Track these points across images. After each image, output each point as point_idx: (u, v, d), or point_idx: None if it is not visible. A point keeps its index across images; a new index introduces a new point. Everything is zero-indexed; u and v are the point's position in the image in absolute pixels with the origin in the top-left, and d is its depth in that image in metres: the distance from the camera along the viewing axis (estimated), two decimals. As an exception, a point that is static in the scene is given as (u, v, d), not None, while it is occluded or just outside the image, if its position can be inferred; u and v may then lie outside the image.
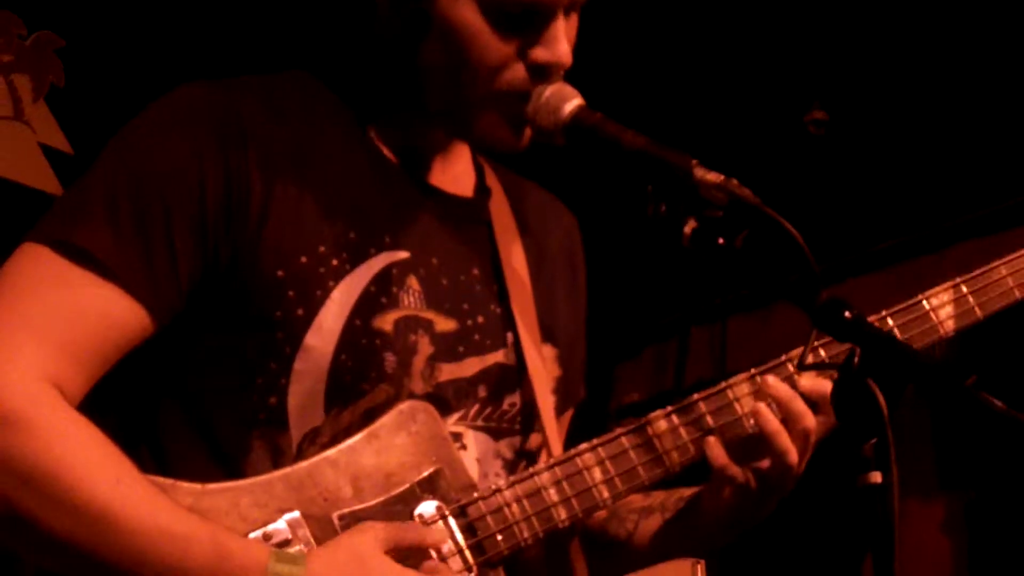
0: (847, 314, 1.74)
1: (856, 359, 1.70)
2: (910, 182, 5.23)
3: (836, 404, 1.72)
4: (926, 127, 5.09)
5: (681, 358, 6.00)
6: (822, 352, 2.15)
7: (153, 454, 2.00)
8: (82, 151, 4.81)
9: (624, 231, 2.52)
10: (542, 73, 2.03)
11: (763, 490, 2.13)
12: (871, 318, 2.22)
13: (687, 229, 1.86)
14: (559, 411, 2.28)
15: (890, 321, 2.25)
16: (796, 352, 2.18)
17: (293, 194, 2.00)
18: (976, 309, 2.29)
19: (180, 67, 4.78)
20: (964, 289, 2.30)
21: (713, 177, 1.85)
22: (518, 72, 2.03)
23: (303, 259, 1.99)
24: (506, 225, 2.24)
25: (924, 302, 2.27)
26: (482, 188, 2.26)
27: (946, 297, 2.28)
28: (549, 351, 2.23)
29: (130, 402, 2.05)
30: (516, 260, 2.22)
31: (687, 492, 2.23)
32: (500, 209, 2.25)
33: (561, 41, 2.03)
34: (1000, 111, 4.93)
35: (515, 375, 2.16)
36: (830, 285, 1.76)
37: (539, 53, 2.03)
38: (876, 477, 1.68)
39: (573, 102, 2.02)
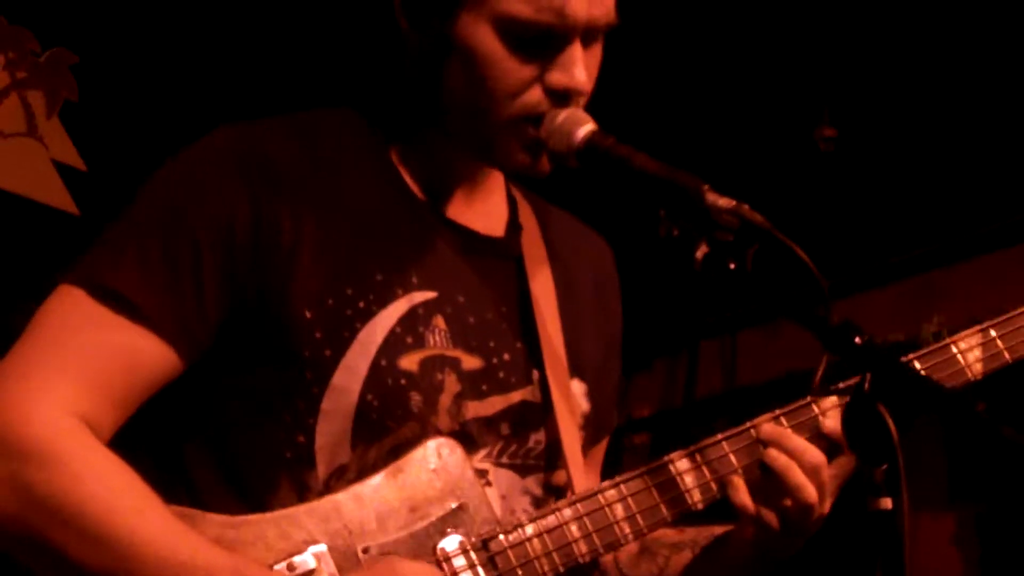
0: (858, 339, 1.75)
1: (867, 384, 1.71)
2: (919, 198, 5.24)
3: (847, 429, 1.73)
4: (935, 143, 5.10)
5: (691, 371, 6.00)
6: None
7: (187, 490, 2.04)
8: (95, 168, 4.83)
9: (635, 245, 2.52)
10: (560, 98, 2.05)
11: (786, 529, 2.12)
12: (900, 359, 2.22)
13: (699, 254, 1.87)
14: (591, 443, 2.30)
15: (917, 364, 2.24)
16: (826, 399, 2.18)
17: (322, 236, 2.04)
18: (1005, 353, 2.29)
19: (194, 84, 4.81)
20: (992, 333, 2.30)
21: (725, 202, 1.86)
22: (535, 96, 2.05)
23: (330, 301, 2.02)
24: (536, 259, 2.26)
25: (952, 346, 2.27)
26: (514, 223, 2.27)
27: (974, 341, 2.28)
28: (578, 386, 2.25)
29: (162, 440, 2.10)
30: (545, 295, 2.24)
31: (718, 530, 2.23)
32: (531, 243, 2.27)
33: (577, 66, 2.04)
34: (1009, 127, 4.94)
35: (540, 412, 2.17)
36: (839, 300, 1.76)
37: (555, 77, 2.04)
38: (887, 502, 1.69)
39: (586, 126, 2.03)
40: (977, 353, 2.27)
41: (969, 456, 5.15)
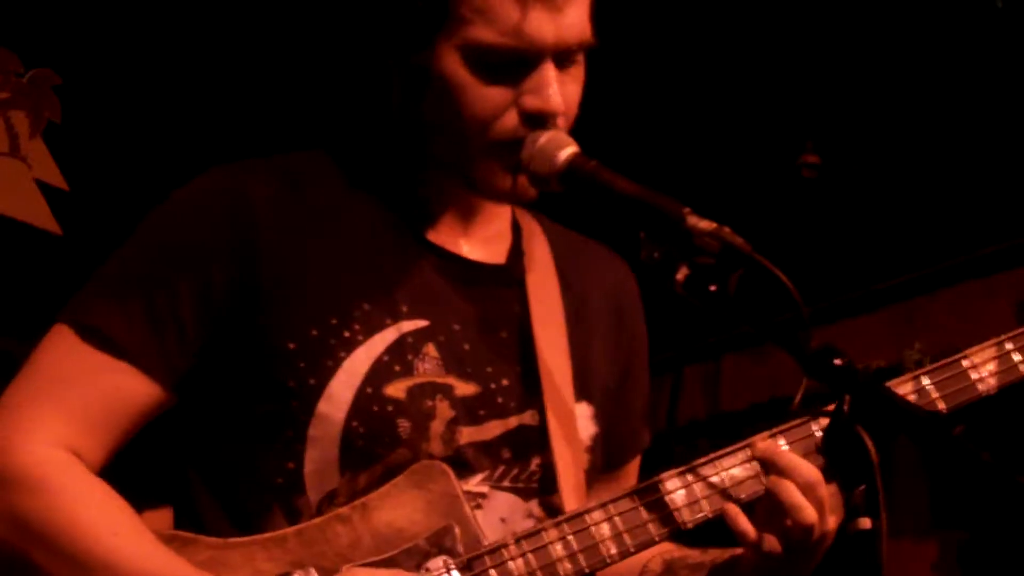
0: (837, 361, 1.75)
1: (846, 406, 1.71)
2: (901, 225, 5.26)
3: (827, 450, 1.73)
4: (918, 171, 5.12)
5: (674, 396, 6.01)
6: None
7: (191, 517, 2.12)
8: (78, 188, 4.84)
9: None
10: (536, 122, 2.05)
11: (790, 552, 2.09)
12: (906, 376, 2.21)
13: (679, 276, 1.87)
14: (608, 465, 2.31)
15: (925, 380, 2.22)
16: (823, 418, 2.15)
17: (304, 270, 2.08)
18: (1020, 367, 2.27)
19: (176, 106, 4.82)
20: (1008, 346, 2.28)
21: (706, 225, 1.86)
22: (511, 121, 2.05)
23: (313, 332, 2.06)
24: (543, 285, 2.26)
25: (964, 360, 2.25)
26: (516, 251, 2.27)
27: (989, 354, 2.26)
28: (584, 409, 2.25)
29: (163, 471, 2.18)
30: (551, 320, 2.24)
31: (739, 551, 2.18)
32: (538, 268, 2.27)
33: (550, 87, 2.04)
34: (991, 154, 4.96)
35: (540, 436, 2.17)
36: (822, 326, 1.77)
37: (528, 101, 2.04)
38: (866, 523, 1.69)
39: (568, 149, 2.03)
40: (992, 367, 2.25)
41: (951, 483, 5.15)
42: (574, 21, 2.05)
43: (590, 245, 2.42)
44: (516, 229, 2.30)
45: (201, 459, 2.15)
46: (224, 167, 2.15)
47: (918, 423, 1.69)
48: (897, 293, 5.41)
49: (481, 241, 2.23)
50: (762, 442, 2.13)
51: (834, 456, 1.73)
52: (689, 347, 5.91)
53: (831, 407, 1.74)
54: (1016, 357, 2.27)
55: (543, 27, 2.01)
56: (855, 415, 1.71)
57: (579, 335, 2.27)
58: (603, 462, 2.29)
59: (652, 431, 2.49)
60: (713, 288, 1.86)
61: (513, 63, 2.03)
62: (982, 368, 2.25)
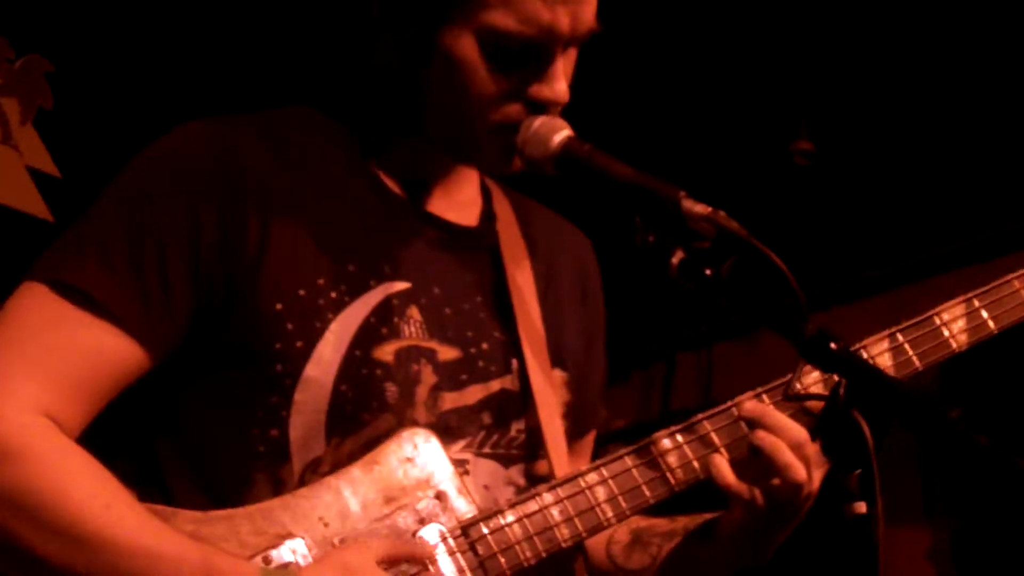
0: (833, 345, 1.75)
1: (842, 390, 1.71)
2: (895, 212, 5.26)
3: (822, 435, 1.73)
4: (912, 158, 5.12)
5: (667, 384, 6.01)
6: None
7: (160, 489, 2.03)
8: (70, 174, 4.82)
9: (611, 256, 2.51)
10: (540, 109, 2.05)
11: (773, 509, 2.11)
12: (883, 332, 2.24)
13: (674, 260, 1.87)
14: (574, 435, 2.30)
15: (900, 337, 2.25)
16: (809, 376, 2.19)
17: (291, 229, 2.04)
18: (989, 322, 2.29)
19: (169, 91, 4.80)
20: (976, 303, 2.30)
21: (701, 209, 1.86)
22: (515, 107, 2.05)
23: (301, 292, 2.02)
24: (514, 250, 2.26)
25: (935, 317, 2.27)
26: (488, 214, 2.27)
27: (958, 311, 2.28)
28: (559, 375, 2.25)
29: (135, 441, 2.10)
30: (524, 285, 2.24)
31: (709, 516, 2.22)
32: (508, 234, 2.27)
33: (559, 79, 2.05)
34: (984, 141, 4.96)
35: (521, 401, 2.17)
36: (815, 313, 1.77)
37: (537, 90, 2.05)
38: (861, 508, 1.69)
39: (562, 133, 2.03)
40: (962, 324, 2.27)
41: (944, 471, 5.16)
42: (589, 13, 2.06)
43: (554, 216, 2.42)
44: (485, 193, 2.30)
45: (173, 429, 2.06)
46: (207, 120, 2.10)
47: (915, 407, 1.68)
48: (889, 280, 5.41)
49: (456, 204, 2.22)
50: (749, 402, 2.15)
51: (830, 440, 1.72)
52: (682, 335, 5.91)
53: (815, 373, 1.74)
54: (984, 314, 2.30)
55: (562, 18, 2.02)
56: (851, 400, 1.71)
57: (550, 302, 2.28)
58: (570, 432, 2.28)
59: (644, 418, 2.50)
60: (708, 273, 1.86)
61: (525, 51, 2.03)
62: (952, 325, 2.27)
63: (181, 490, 2.03)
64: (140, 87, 4.80)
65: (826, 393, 1.76)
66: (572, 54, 2.10)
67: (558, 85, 2.05)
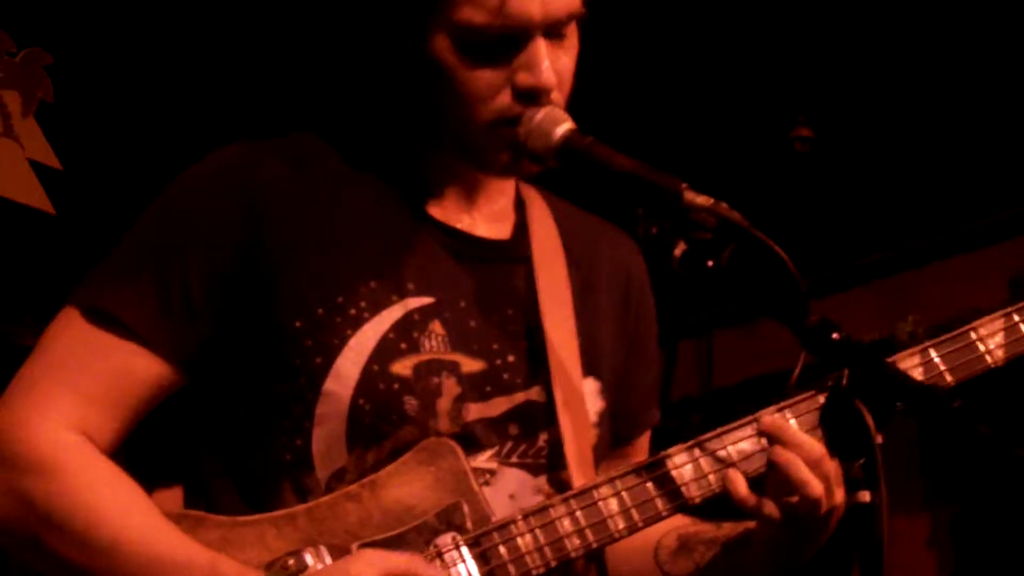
0: (835, 335, 1.76)
1: (845, 380, 1.72)
2: (894, 198, 5.27)
3: (825, 424, 1.74)
4: (910, 144, 5.13)
5: (668, 371, 6.01)
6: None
7: (205, 499, 2.13)
8: (71, 167, 4.83)
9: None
10: (529, 98, 2.05)
11: (793, 524, 2.09)
12: (914, 348, 2.21)
13: (677, 252, 1.88)
14: (619, 440, 2.32)
15: (932, 352, 2.22)
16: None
17: (311, 248, 2.09)
18: None
19: (168, 84, 4.81)
20: (1016, 318, 2.27)
21: (703, 200, 1.87)
22: (507, 99, 2.05)
23: (319, 311, 2.07)
24: (549, 261, 2.26)
25: (971, 332, 2.24)
26: (522, 226, 2.28)
27: (996, 326, 2.26)
28: (592, 384, 2.25)
29: (182, 453, 2.20)
30: (558, 296, 2.24)
31: (751, 524, 2.18)
32: (543, 245, 2.27)
33: (541, 64, 2.04)
34: (983, 128, 4.97)
35: (547, 412, 2.18)
36: (814, 300, 1.77)
37: (521, 78, 2.05)
38: (865, 496, 1.70)
39: (564, 125, 2.04)
40: (999, 339, 2.25)
41: (944, 458, 5.17)
42: None
43: (597, 222, 2.42)
44: (520, 205, 2.30)
45: (213, 438, 2.16)
46: (229, 148, 2.16)
47: (918, 397, 1.69)
48: (890, 266, 5.42)
49: (486, 217, 2.23)
50: (768, 416, 2.13)
51: (833, 430, 1.73)
52: (682, 323, 5.92)
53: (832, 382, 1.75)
54: None
55: (528, 4, 2.01)
56: (854, 389, 1.72)
57: (586, 311, 2.28)
58: (612, 438, 2.29)
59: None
60: (710, 264, 1.86)
61: (502, 42, 2.03)
62: (989, 340, 2.24)
63: (221, 497, 2.11)
64: (141, 80, 4.80)
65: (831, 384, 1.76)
66: (568, 42, 2.10)
67: (540, 70, 2.04)
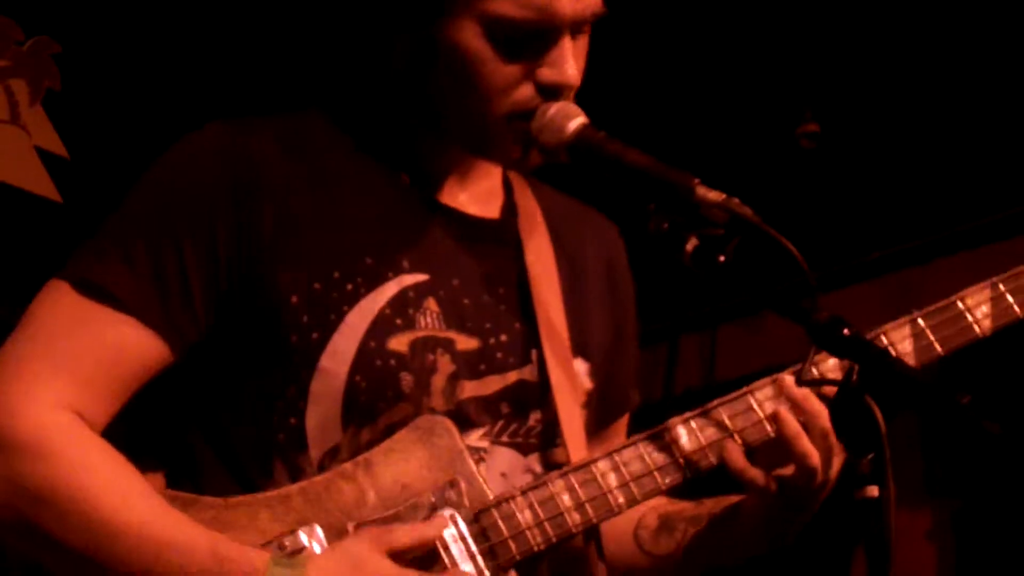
0: (846, 331, 1.77)
1: (854, 376, 1.73)
2: (900, 194, 5.27)
3: (834, 419, 1.75)
4: (917, 140, 5.12)
5: (670, 366, 6.01)
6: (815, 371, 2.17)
7: (192, 479, 2.09)
8: (78, 155, 4.82)
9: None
10: (550, 94, 2.06)
11: (788, 497, 2.12)
12: (904, 318, 2.23)
13: (688, 247, 1.89)
14: (602, 422, 2.33)
15: (921, 322, 2.24)
16: (828, 362, 2.17)
17: (307, 223, 2.08)
18: (1015, 307, 2.28)
19: (176, 73, 4.81)
20: (1002, 287, 2.28)
21: (714, 196, 1.88)
22: (526, 92, 2.06)
23: (316, 285, 2.06)
24: (537, 242, 2.27)
25: (959, 302, 2.26)
26: (510, 207, 2.29)
27: (982, 296, 2.27)
28: (581, 365, 2.26)
29: (167, 434, 2.16)
30: (547, 276, 2.25)
31: (734, 499, 2.23)
32: (531, 226, 2.28)
33: (568, 62, 2.05)
34: (990, 124, 4.97)
35: (539, 391, 2.19)
36: (823, 295, 1.78)
37: (547, 74, 2.06)
38: (873, 491, 1.71)
39: (577, 120, 2.05)
40: (986, 309, 2.26)
41: (946, 451, 5.17)
42: None
43: (579, 206, 2.44)
44: (507, 185, 2.31)
45: (204, 418, 2.12)
46: (222, 122, 2.14)
47: (927, 393, 1.70)
48: (895, 262, 5.42)
49: (476, 196, 2.24)
50: (790, 378, 2.13)
51: (841, 425, 1.74)
52: (685, 317, 5.92)
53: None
54: (1010, 299, 2.28)
55: (564, 1, 2.02)
56: (863, 385, 1.73)
57: (574, 292, 2.29)
58: (595, 420, 2.30)
59: (647, 400, 2.51)
60: (721, 259, 1.88)
61: (532, 37, 2.04)
62: (976, 310, 2.26)
63: (211, 478, 2.08)
64: (148, 69, 4.80)
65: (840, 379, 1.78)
66: (583, 40, 2.11)
67: (567, 68, 2.05)
